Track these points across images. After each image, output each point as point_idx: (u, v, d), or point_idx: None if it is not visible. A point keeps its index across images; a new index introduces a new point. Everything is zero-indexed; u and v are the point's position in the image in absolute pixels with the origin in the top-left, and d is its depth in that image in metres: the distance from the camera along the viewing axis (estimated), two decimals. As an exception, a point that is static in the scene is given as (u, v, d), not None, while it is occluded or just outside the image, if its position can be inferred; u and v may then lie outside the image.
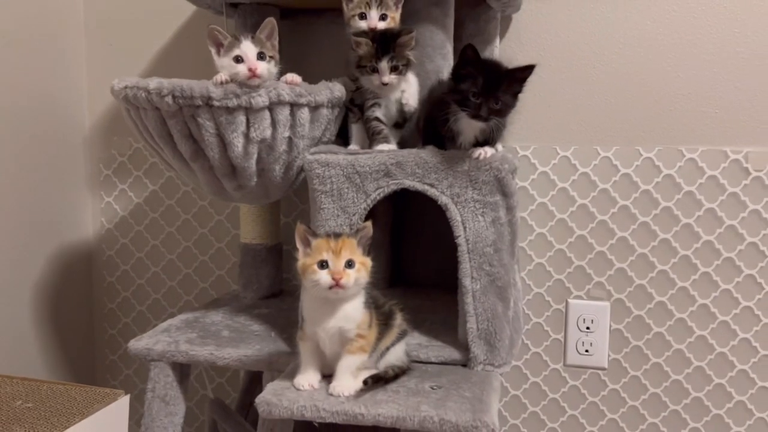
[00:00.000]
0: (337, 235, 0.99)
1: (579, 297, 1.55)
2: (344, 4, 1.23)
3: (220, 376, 1.77)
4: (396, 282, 1.56)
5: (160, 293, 1.79)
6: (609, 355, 1.55)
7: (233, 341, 1.26)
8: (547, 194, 1.54)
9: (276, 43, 1.17)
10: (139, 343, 1.25)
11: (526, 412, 1.61)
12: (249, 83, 1.10)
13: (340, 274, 0.96)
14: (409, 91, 1.24)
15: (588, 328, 1.55)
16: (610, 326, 1.54)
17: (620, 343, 1.54)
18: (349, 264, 0.97)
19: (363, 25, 1.21)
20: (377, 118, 1.23)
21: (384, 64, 1.17)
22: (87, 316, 1.83)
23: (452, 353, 1.15)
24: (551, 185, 1.54)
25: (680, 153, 1.47)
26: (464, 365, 1.14)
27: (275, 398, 0.99)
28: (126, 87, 1.13)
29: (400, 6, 1.24)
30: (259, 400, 1.00)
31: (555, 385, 1.58)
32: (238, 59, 1.10)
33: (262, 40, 1.14)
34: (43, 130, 1.65)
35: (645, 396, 1.54)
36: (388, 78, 1.18)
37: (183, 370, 1.28)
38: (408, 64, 1.21)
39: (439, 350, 1.16)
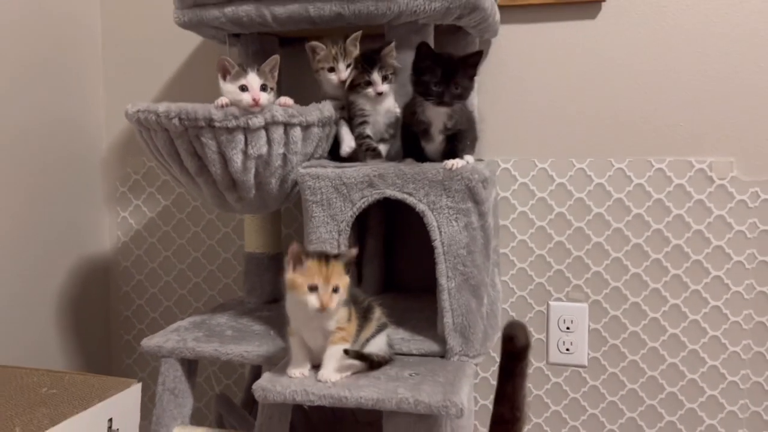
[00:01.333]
0: (327, 258, 1.09)
1: (559, 299, 1.66)
2: (310, 56, 1.38)
3: (227, 378, 1.89)
4: (388, 288, 1.67)
5: (171, 301, 1.92)
6: (588, 354, 1.65)
7: (236, 339, 1.38)
8: (527, 203, 1.66)
9: (276, 75, 1.31)
10: (151, 341, 1.38)
11: (513, 408, 1.71)
12: (250, 110, 1.23)
13: (327, 301, 1.07)
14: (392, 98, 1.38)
15: (568, 328, 1.65)
16: (589, 326, 1.64)
17: (599, 342, 1.64)
18: (335, 290, 1.08)
19: (333, 78, 1.37)
20: (368, 136, 1.36)
21: (376, 76, 1.31)
22: (104, 323, 1.96)
23: (432, 346, 1.27)
24: (531, 195, 1.65)
25: (649, 163, 1.58)
26: (442, 356, 1.25)
27: (270, 384, 1.12)
28: (138, 111, 1.27)
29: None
30: (256, 386, 1.12)
31: (539, 383, 1.69)
32: (243, 88, 1.24)
33: (266, 72, 1.28)
34: (64, 152, 1.80)
35: (623, 392, 1.64)
36: (382, 87, 1.32)
37: (191, 366, 1.41)
38: (395, 73, 1.34)
39: (419, 343, 1.28)
